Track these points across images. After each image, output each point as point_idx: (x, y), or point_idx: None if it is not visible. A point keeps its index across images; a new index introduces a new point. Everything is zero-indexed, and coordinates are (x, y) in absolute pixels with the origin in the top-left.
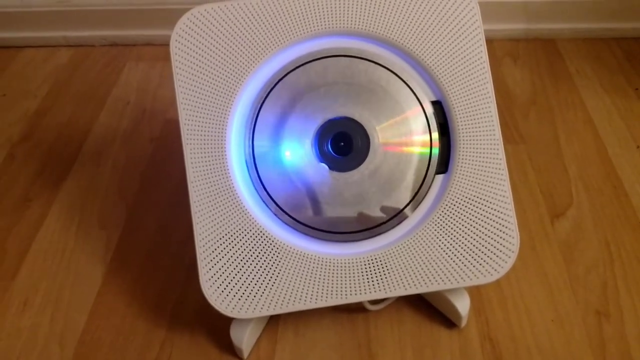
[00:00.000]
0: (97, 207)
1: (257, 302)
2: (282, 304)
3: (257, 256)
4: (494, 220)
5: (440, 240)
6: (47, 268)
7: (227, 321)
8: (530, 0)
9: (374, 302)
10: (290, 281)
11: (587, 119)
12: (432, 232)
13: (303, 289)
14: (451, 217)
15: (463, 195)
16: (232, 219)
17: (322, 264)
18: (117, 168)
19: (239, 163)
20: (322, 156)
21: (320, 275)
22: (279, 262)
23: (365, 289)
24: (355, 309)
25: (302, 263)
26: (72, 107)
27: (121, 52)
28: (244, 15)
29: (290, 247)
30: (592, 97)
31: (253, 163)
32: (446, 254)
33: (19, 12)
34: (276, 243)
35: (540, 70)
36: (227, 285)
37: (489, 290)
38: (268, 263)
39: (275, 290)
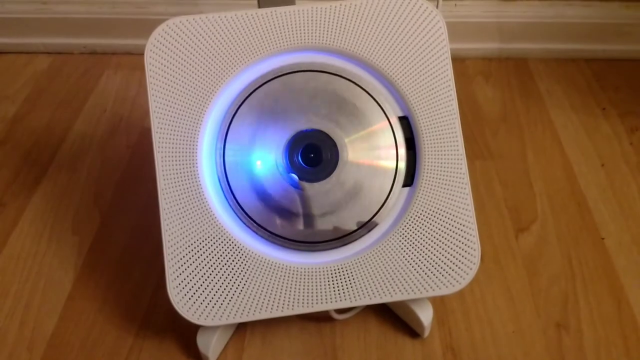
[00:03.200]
0: (70, 212)
1: (224, 310)
2: (249, 312)
3: (225, 264)
4: (456, 233)
5: (404, 251)
6: (18, 272)
7: (196, 328)
8: (504, 20)
9: (341, 311)
10: (257, 289)
11: (554, 137)
12: (397, 243)
13: (270, 297)
14: (415, 229)
15: (427, 208)
16: (201, 227)
17: (289, 273)
18: (92, 174)
19: (209, 172)
20: (292, 167)
21: (287, 283)
22: (247, 270)
23: (331, 298)
24: (322, 318)
25: (269, 271)
26: (49, 112)
27: (100, 60)
28: (218, 28)
29: (258, 256)
30: (560, 115)
31: (224, 172)
32: (410, 264)
33: None
34: (244, 251)
35: (512, 88)
36: (194, 293)
37: (452, 302)
38: (236, 271)
39: (243, 298)
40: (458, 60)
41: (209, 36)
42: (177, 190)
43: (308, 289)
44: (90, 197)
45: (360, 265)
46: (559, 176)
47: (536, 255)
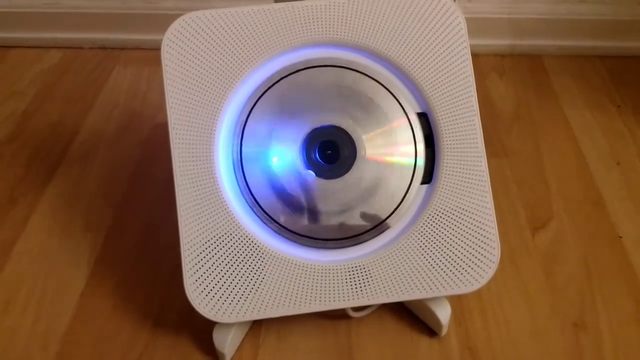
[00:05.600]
0: (82, 209)
1: (241, 307)
2: (265, 309)
3: (242, 261)
4: (475, 231)
5: (422, 250)
6: (30, 269)
7: (211, 325)
8: (517, 16)
9: (357, 309)
10: (274, 286)
11: (569, 134)
12: (415, 241)
13: (286, 294)
14: (434, 227)
15: (446, 206)
16: (218, 224)
17: (306, 270)
18: (104, 170)
19: (226, 168)
20: (309, 163)
21: (303, 281)
22: (264, 267)
23: (348, 296)
24: (338, 316)
25: (286, 269)
26: (60, 108)
27: (110, 55)
28: (235, 23)
29: (275, 253)
30: (575, 113)
31: (240, 168)
32: (428, 263)
33: (8, 12)
34: (261, 248)
35: (525, 85)
36: (211, 289)
37: (469, 300)
38: (253, 268)
39: (259, 295)
40: (472, 56)
41: (225, 31)
42: (194, 187)
43: (325, 287)
44: (102, 193)
45: (378, 263)
46: (574, 174)
47: (552, 254)
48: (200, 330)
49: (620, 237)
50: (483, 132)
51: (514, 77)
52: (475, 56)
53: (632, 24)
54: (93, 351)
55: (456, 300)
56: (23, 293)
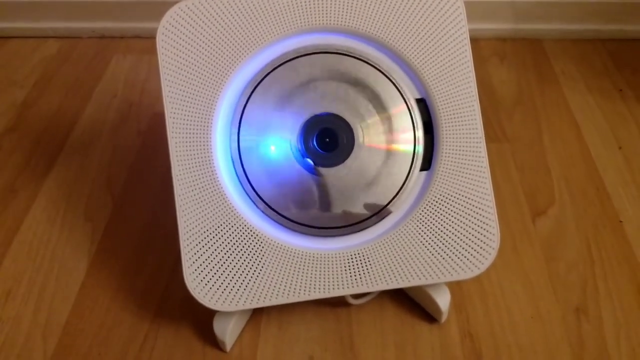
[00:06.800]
0: (83, 199)
1: (241, 295)
2: (265, 298)
3: (241, 250)
4: (475, 217)
5: (422, 236)
6: (31, 259)
7: (212, 314)
8: (518, 0)
9: (357, 296)
10: (273, 275)
11: (571, 119)
12: (415, 228)
13: (286, 282)
14: (433, 214)
15: (445, 192)
16: (216, 213)
17: (305, 258)
18: (104, 160)
19: (224, 157)
20: (307, 151)
21: (303, 269)
22: (263, 255)
23: (347, 284)
24: (338, 303)
25: (285, 257)
26: (59, 98)
27: (109, 44)
28: (231, 10)
29: (274, 241)
30: (576, 97)
31: (238, 157)
32: (428, 249)
33: (5, 2)
34: (260, 237)
35: (527, 70)
36: (210, 278)
37: (470, 287)
38: (251, 256)
39: (259, 284)
40: (472, 41)
41: (221, 18)
42: (191, 176)
43: (324, 275)
44: (103, 183)
45: (377, 250)
46: (576, 159)
47: (554, 239)
48: (202, 319)
49: (621, 221)
50: (484, 117)
51: (516, 62)
52: (477, 40)
53: (634, 6)
54: (95, 340)
55: (457, 287)
56: (24, 283)
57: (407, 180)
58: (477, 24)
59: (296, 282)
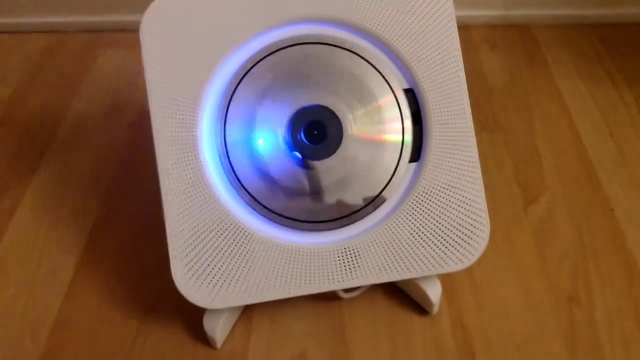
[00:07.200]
0: (70, 196)
1: (230, 292)
2: (255, 294)
3: (229, 246)
4: (465, 209)
5: (412, 229)
6: (19, 258)
7: (203, 310)
8: None
9: (348, 290)
10: (263, 270)
11: (562, 106)
12: (404, 221)
13: (276, 278)
14: (423, 206)
15: (435, 184)
16: (203, 209)
17: (294, 253)
18: (92, 156)
19: (211, 153)
20: (295, 144)
21: (293, 264)
22: (252, 251)
23: (338, 278)
24: (330, 297)
25: (274, 252)
26: (46, 93)
27: (96, 38)
28: (216, 1)
29: (263, 237)
30: (568, 84)
31: (225, 152)
32: (418, 242)
33: None
34: (249, 233)
35: (518, 57)
36: (199, 276)
37: (461, 277)
38: (240, 253)
39: (248, 280)
40: (463, 28)
41: (205, 11)
42: (177, 172)
43: (315, 269)
44: (91, 180)
45: (367, 243)
46: (568, 146)
47: (546, 227)
48: (193, 315)
49: (612, 209)
50: (475, 104)
51: (506, 48)
52: (467, 27)
53: None
54: (85, 339)
55: (448, 277)
56: (13, 282)
57: (396, 173)
58: (467, 10)
59: (286, 277)
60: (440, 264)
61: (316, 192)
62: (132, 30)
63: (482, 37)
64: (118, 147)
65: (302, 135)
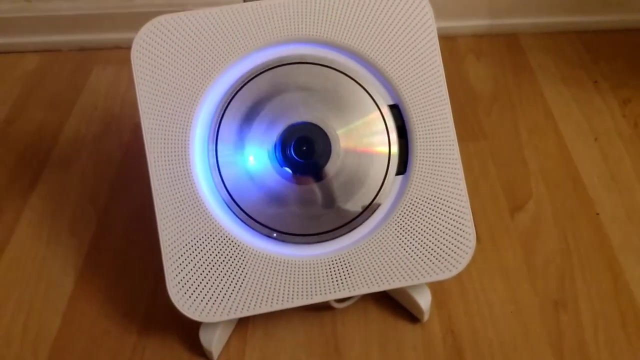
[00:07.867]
0: (67, 213)
1: (225, 306)
2: (249, 307)
3: (223, 260)
4: (451, 219)
5: (400, 239)
6: (18, 276)
7: (199, 323)
8: None
9: (340, 300)
10: (256, 284)
11: (547, 113)
12: (393, 232)
13: (269, 291)
14: (410, 217)
15: (421, 195)
16: (197, 225)
17: (286, 266)
18: (87, 174)
19: (203, 170)
20: (285, 160)
21: (285, 277)
22: (245, 265)
23: (329, 289)
24: (322, 308)
25: (267, 266)
26: (40, 113)
27: (89, 56)
28: (204, 24)
29: (255, 251)
30: (552, 91)
31: (217, 169)
32: (407, 252)
33: None
34: (241, 247)
35: (503, 66)
36: (194, 290)
37: (450, 284)
38: (234, 267)
39: (242, 293)
40: (449, 39)
41: (195, 33)
42: (171, 190)
43: (306, 281)
44: (86, 197)
45: (357, 254)
46: (553, 153)
47: (532, 233)
48: (189, 328)
49: (597, 214)
50: (462, 115)
51: (492, 58)
52: (454, 38)
53: None
54: (84, 354)
55: (438, 285)
56: (12, 300)
57: (383, 186)
58: (454, 21)
59: (279, 290)
60: (429, 273)
61: (306, 206)
62: (122, 47)
63: (469, 47)
64: (113, 163)
65: (292, 151)
